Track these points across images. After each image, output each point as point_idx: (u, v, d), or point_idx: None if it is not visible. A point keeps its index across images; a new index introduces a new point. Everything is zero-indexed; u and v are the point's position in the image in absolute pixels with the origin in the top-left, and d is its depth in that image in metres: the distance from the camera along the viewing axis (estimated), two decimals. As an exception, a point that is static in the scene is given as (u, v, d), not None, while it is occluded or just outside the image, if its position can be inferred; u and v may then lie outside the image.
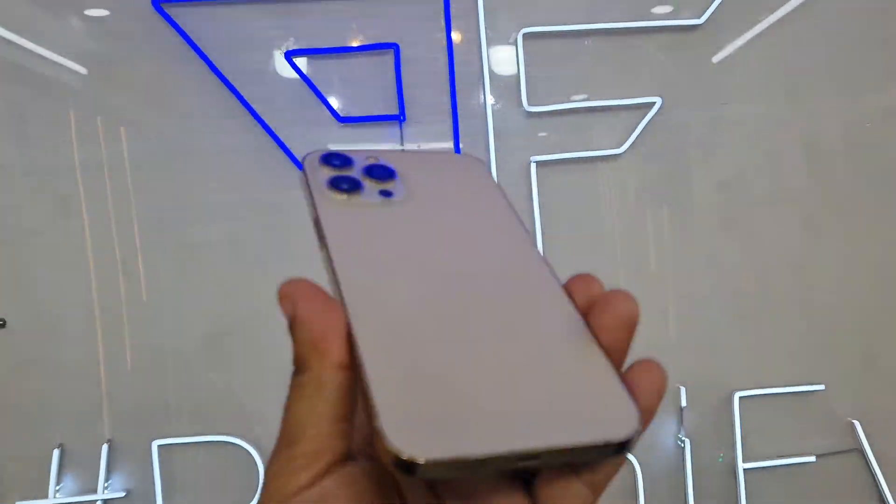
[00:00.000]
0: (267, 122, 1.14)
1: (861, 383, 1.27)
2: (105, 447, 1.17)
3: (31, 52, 1.14)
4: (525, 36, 1.16)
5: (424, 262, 0.29)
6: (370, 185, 0.32)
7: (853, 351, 1.26)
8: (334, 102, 1.15)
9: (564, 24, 1.17)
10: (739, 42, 1.20)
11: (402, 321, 0.26)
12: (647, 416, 0.24)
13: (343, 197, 0.31)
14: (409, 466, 0.22)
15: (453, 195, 0.33)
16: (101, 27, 1.16)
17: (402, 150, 0.37)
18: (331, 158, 0.33)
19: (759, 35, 1.20)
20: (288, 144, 1.15)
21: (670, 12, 1.20)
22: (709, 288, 1.23)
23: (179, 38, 1.13)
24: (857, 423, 1.25)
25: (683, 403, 1.21)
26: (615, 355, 0.26)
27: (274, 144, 1.15)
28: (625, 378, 0.25)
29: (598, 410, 0.24)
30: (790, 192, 1.24)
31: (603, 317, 0.26)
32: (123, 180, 1.17)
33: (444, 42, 1.15)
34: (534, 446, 0.23)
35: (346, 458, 0.25)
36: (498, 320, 0.27)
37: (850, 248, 1.25)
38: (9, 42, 1.13)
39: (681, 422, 1.22)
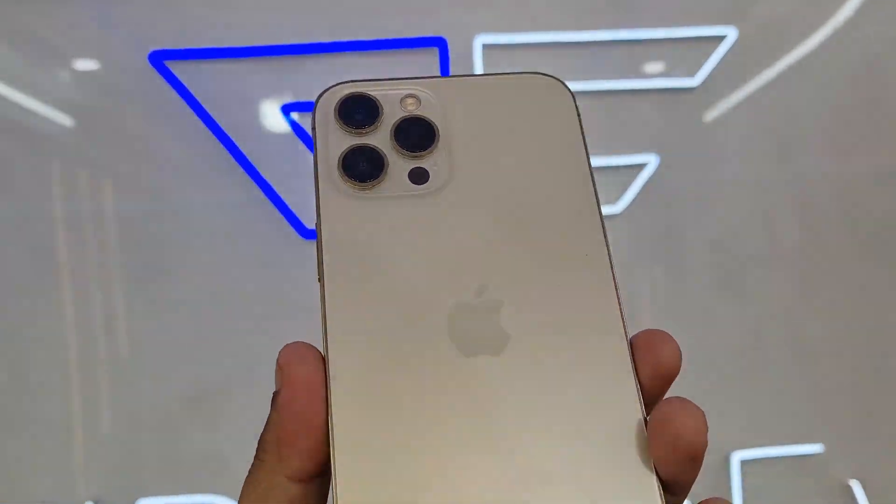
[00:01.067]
0: (262, 175, 1.13)
1: (860, 444, 1.26)
2: (87, 509, 1.12)
3: (16, 103, 1.12)
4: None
5: (451, 305, 0.21)
6: (397, 162, 0.23)
7: (851, 410, 1.25)
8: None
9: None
10: (732, 101, 1.21)
11: (396, 413, 0.20)
12: None
13: (353, 189, 0.23)
14: None
15: (514, 164, 0.23)
16: (91, 80, 1.14)
17: (454, 78, 0.25)
18: (352, 108, 0.25)
19: (751, 95, 1.22)
20: (284, 198, 1.13)
21: (662, 71, 1.21)
22: (703, 347, 1.22)
23: (171, 92, 1.11)
24: (856, 484, 1.23)
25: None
26: (671, 488, 0.21)
27: (265, 199, 1.13)
28: None
29: None
30: (784, 251, 1.24)
31: (657, 440, 0.20)
32: (107, 234, 1.14)
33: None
34: None
35: None
36: (532, 419, 0.20)
37: (845, 307, 1.25)
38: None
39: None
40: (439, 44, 1.14)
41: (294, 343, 0.22)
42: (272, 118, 1.15)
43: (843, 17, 1.22)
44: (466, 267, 0.21)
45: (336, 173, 0.23)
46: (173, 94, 1.11)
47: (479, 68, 1.15)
